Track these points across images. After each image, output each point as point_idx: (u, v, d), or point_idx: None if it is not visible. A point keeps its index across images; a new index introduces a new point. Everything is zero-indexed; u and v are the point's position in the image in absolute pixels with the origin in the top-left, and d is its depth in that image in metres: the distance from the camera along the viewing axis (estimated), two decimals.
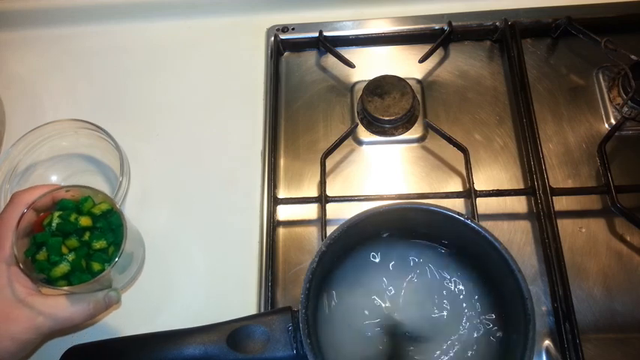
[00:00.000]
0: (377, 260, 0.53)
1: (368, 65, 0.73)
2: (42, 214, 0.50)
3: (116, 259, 0.48)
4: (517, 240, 0.61)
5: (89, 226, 0.50)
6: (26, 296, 0.45)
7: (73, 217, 0.49)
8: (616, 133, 0.64)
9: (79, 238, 0.49)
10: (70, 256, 0.48)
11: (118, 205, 0.51)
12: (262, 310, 0.58)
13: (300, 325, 0.45)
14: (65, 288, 0.47)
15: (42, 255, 0.48)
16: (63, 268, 0.47)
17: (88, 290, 0.49)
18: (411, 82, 0.69)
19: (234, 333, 0.46)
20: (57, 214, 0.49)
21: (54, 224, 0.48)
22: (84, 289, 0.48)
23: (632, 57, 0.66)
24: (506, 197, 0.62)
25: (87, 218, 0.49)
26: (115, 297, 0.51)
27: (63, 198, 0.50)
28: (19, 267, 0.46)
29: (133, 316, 0.59)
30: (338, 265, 0.53)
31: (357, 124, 0.69)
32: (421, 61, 0.71)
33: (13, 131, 0.70)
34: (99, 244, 0.49)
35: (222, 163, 0.68)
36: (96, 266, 0.48)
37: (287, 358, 0.46)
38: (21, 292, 0.45)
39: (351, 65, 0.71)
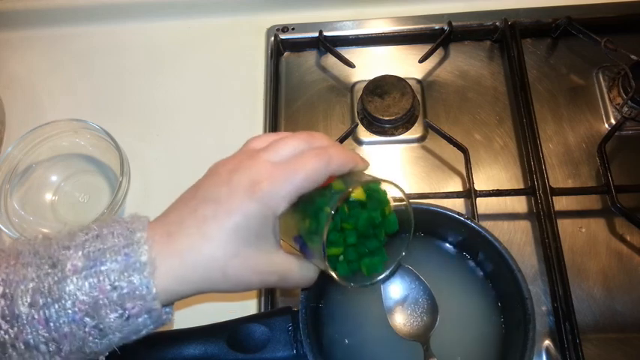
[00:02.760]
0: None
1: (368, 65, 0.73)
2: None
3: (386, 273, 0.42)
4: (517, 240, 0.61)
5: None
6: (276, 249, 0.39)
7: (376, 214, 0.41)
8: (616, 133, 0.64)
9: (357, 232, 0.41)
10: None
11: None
12: (262, 310, 0.58)
13: (300, 325, 0.45)
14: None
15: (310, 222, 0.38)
16: (336, 250, 0.39)
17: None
18: (411, 82, 0.69)
19: (234, 333, 0.46)
20: (362, 192, 0.39)
21: (355, 206, 0.39)
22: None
23: (632, 57, 0.66)
24: (506, 197, 0.62)
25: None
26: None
27: (374, 182, 0.40)
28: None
29: None
30: None
31: (357, 124, 0.69)
32: (421, 61, 0.71)
33: (13, 131, 0.71)
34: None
35: None
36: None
37: (287, 358, 0.46)
38: (273, 243, 0.38)
39: (351, 65, 0.71)
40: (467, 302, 0.51)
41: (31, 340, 0.33)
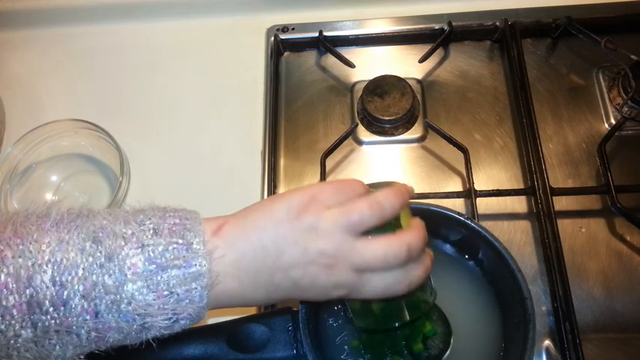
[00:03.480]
0: None
1: (368, 65, 0.73)
2: None
3: None
4: (517, 240, 0.61)
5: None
6: None
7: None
8: (616, 133, 0.64)
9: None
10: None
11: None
12: (262, 310, 0.58)
13: (300, 325, 0.45)
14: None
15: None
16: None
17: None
18: (411, 82, 0.69)
19: (234, 333, 0.46)
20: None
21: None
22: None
23: (632, 57, 0.65)
24: (506, 197, 0.62)
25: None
26: None
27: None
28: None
29: None
30: None
31: (357, 124, 0.69)
32: (421, 61, 0.71)
33: (13, 131, 0.70)
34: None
35: (223, 163, 0.68)
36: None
37: (287, 358, 0.46)
38: None
39: (351, 65, 0.71)
40: (467, 302, 0.51)
41: (74, 327, 0.33)
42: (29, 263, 0.33)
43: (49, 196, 0.65)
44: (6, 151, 0.63)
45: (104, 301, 0.33)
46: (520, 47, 0.70)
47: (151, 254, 0.34)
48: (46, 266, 0.33)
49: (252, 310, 0.58)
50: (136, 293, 0.33)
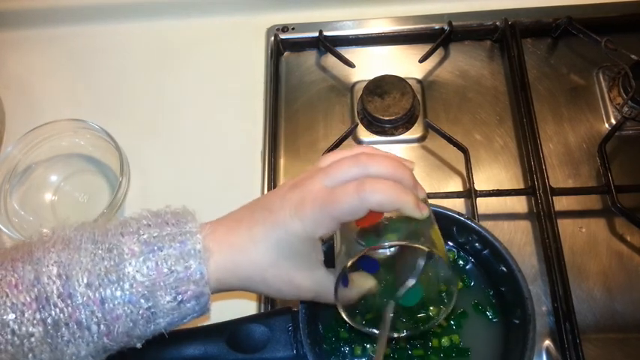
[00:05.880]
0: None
1: (368, 65, 0.73)
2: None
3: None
4: (517, 240, 0.61)
5: None
6: (315, 268, 0.40)
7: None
8: (616, 133, 0.64)
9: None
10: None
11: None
12: (262, 310, 0.58)
13: (300, 325, 0.45)
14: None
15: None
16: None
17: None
18: (411, 82, 0.69)
19: (234, 333, 0.46)
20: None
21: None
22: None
23: (632, 57, 0.66)
24: (507, 197, 0.62)
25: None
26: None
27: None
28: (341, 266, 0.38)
29: None
30: None
31: (357, 124, 0.69)
32: (421, 60, 0.71)
33: (13, 131, 0.71)
34: None
35: (222, 163, 0.68)
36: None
37: (287, 358, 0.46)
38: (313, 262, 0.40)
39: (351, 65, 0.71)
40: (467, 302, 0.51)
41: (84, 320, 0.35)
42: (37, 267, 0.35)
43: (48, 196, 0.65)
44: (6, 151, 0.63)
45: (108, 288, 0.35)
46: (520, 47, 0.70)
47: (147, 239, 0.37)
48: (52, 266, 0.35)
49: (253, 310, 0.58)
50: (137, 274, 0.35)
